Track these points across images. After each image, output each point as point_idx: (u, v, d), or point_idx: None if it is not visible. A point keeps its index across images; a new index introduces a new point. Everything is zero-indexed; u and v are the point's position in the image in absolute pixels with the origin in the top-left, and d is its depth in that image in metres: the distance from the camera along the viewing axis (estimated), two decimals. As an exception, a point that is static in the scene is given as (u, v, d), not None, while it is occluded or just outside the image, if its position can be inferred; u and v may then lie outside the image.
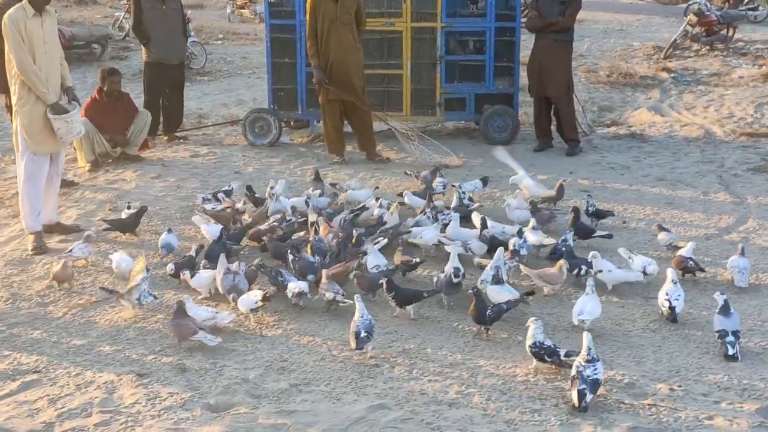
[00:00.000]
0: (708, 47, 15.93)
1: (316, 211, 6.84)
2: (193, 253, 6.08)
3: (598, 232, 6.59)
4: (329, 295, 5.40)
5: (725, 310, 4.88)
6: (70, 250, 6.23)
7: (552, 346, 4.63)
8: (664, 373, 4.62)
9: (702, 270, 5.93)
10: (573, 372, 4.33)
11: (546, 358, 4.61)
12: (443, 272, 5.62)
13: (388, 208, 6.87)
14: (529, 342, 4.67)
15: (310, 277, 5.70)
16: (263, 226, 6.66)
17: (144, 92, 10.35)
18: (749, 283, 5.82)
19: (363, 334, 4.79)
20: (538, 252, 6.39)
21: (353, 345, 4.79)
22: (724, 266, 5.99)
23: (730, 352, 4.76)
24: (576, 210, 6.70)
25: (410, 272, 6.02)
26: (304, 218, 6.92)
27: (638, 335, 5.13)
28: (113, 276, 6.05)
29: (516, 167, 7.87)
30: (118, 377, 4.65)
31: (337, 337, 5.11)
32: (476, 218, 6.65)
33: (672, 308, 5.21)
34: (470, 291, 5.23)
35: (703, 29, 16.11)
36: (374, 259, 5.85)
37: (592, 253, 5.76)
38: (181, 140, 10.38)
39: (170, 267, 5.93)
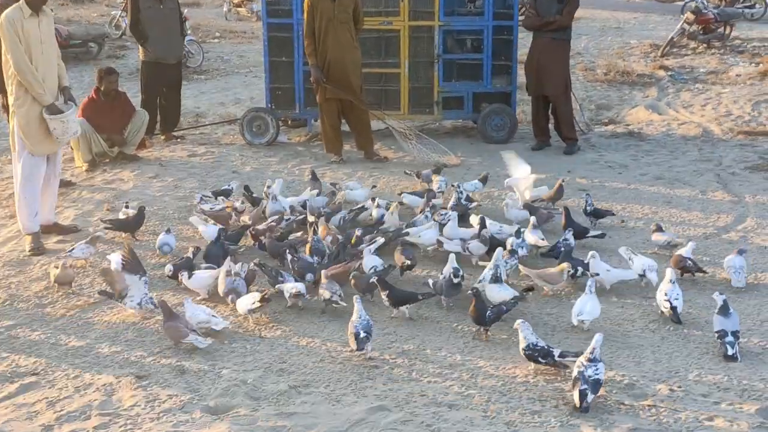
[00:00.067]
0: (705, 45, 15.92)
1: (314, 212, 6.83)
2: (190, 254, 6.07)
3: (592, 232, 6.59)
4: (326, 294, 5.39)
5: (724, 310, 4.88)
6: (71, 250, 6.22)
7: (546, 347, 4.63)
8: (663, 374, 4.62)
9: (702, 271, 5.92)
10: (575, 372, 4.33)
11: (540, 359, 4.60)
12: (442, 274, 5.61)
13: (387, 208, 6.86)
14: (522, 345, 4.66)
15: (309, 276, 5.69)
16: (261, 226, 6.65)
17: (141, 91, 10.32)
18: (748, 283, 5.82)
19: (362, 335, 4.78)
20: (536, 252, 6.38)
21: (353, 346, 4.78)
22: (722, 266, 5.98)
23: (730, 352, 4.76)
24: (566, 209, 6.71)
25: (408, 271, 6.01)
26: (303, 216, 6.91)
27: (637, 335, 5.13)
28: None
29: (520, 166, 7.67)
30: (117, 379, 4.64)
31: (337, 338, 5.10)
32: (475, 218, 6.65)
33: (674, 308, 5.21)
34: (470, 291, 5.23)
35: (700, 27, 16.10)
36: (371, 260, 5.85)
37: (591, 253, 5.75)
38: (179, 140, 10.37)
39: (168, 268, 5.92)
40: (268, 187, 7.29)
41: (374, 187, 7.89)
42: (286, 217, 6.80)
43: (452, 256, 5.66)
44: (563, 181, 7.56)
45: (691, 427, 4.11)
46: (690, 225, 7.16)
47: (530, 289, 5.58)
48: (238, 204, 7.19)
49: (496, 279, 5.50)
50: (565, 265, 5.64)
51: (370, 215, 7.01)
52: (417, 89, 9.96)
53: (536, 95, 9.72)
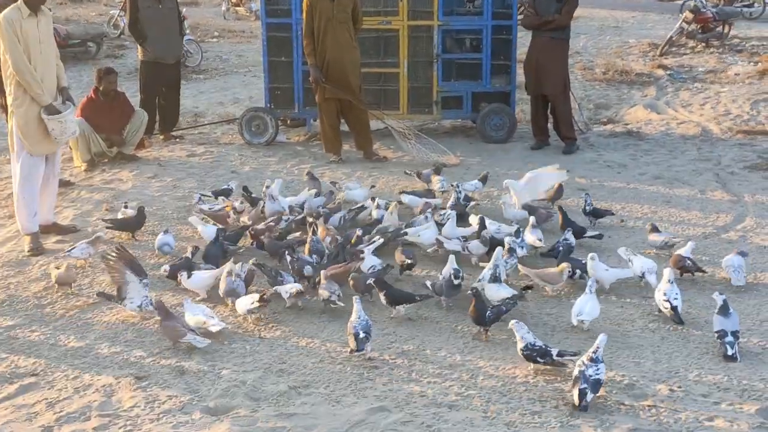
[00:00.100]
0: (704, 44, 15.93)
1: (313, 213, 6.83)
2: (189, 254, 6.06)
3: (589, 232, 6.58)
4: (325, 294, 5.40)
5: (724, 310, 4.88)
6: (71, 250, 6.22)
7: (544, 347, 4.63)
8: (663, 374, 4.62)
9: (701, 270, 5.92)
10: (575, 372, 4.33)
11: (539, 359, 4.61)
12: (441, 275, 5.60)
13: (386, 208, 6.86)
14: (520, 345, 4.65)
15: (307, 269, 5.70)
16: (260, 226, 6.65)
17: (140, 91, 10.31)
18: (748, 283, 5.82)
19: (361, 335, 4.78)
20: (536, 252, 6.38)
21: (353, 346, 4.78)
22: (721, 265, 5.98)
23: (730, 352, 4.76)
24: (561, 209, 6.72)
25: (408, 271, 6.01)
26: (302, 216, 6.91)
27: (637, 335, 5.13)
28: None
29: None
30: (117, 380, 4.64)
31: (336, 338, 5.09)
32: (474, 218, 6.65)
33: (674, 308, 5.20)
34: (469, 291, 5.23)
35: (698, 26, 16.11)
36: (369, 260, 5.85)
37: (590, 255, 5.74)
38: (178, 139, 10.36)
39: (165, 268, 5.91)
40: (267, 187, 7.29)
41: (373, 186, 7.88)
42: (285, 217, 6.80)
43: (452, 257, 5.65)
44: (562, 180, 7.55)
45: (692, 427, 4.11)
46: (689, 224, 7.16)
47: (529, 287, 5.57)
48: (237, 204, 7.19)
49: (495, 279, 5.49)
50: (564, 265, 5.64)
51: (370, 215, 7.01)
52: (416, 89, 9.95)
53: (535, 95, 9.71)
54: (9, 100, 6.70)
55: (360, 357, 4.80)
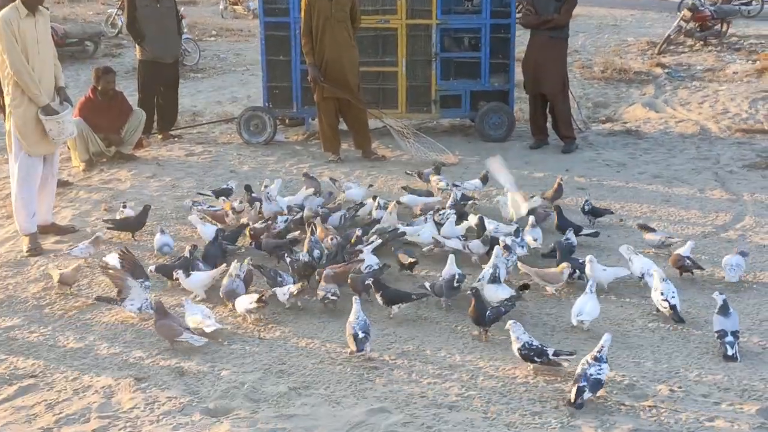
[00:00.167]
0: (702, 42, 15.95)
1: (311, 212, 6.83)
2: (186, 253, 6.05)
3: (585, 230, 6.58)
4: (320, 293, 5.41)
5: (724, 310, 4.87)
6: (72, 249, 6.21)
7: (540, 346, 4.62)
8: (663, 374, 4.62)
9: (700, 268, 5.92)
10: (578, 369, 4.33)
11: (536, 358, 4.60)
12: (441, 276, 5.59)
13: (386, 208, 6.85)
14: (518, 345, 4.64)
15: (317, 252, 5.82)
16: (258, 225, 6.65)
17: (138, 90, 10.30)
18: (748, 282, 5.82)
19: (360, 335, 4.78)
20: (535, 251, 6.38)
21: (353, 347, 4.77)
22: (721, 265, 5.97)
23: (730, 352, 4.75)
24: (558, 208, 6.71)
25: (409, 270, 6.00)
26: (300, 216, 6.90)
27: (637, 335, 5.12)
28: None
29: (506, 182, 7.38)
30: (116, 381, 4.62)
31: (336, 339, 5.08)
32: (473, 218, 6.63)
33: (673, 307, 5.20)
34: (468, 291, 5.22)
35: (697, 24, 16.14)
36: (368, 260, 5.84)
37: (588, 257, 5.72)
38: (176, 139, 10.35)
39: (151, 269, 5.90)
40: (266, 186, 7.27)
41: (371, 186, 7.86)
42: (283, 217, 6.78)
43: (452, 257, 5.65)
44: (561, 179, 7.55)
45: (692, 428, 4.10)
46: (688, 224, 7.16)
47: (525, 287, 5.55)
48: (236, 204, 7.17)
49: (494, 279, 5.49)
50: (564, 264, 5.63)
51: (369, 214, 7.00)
52: (414, 88, 9.94)
53: (534, 93, 9.71)
54: (7, 100, 6.68)
55: (360, 358, 4.79)
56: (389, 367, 4.74)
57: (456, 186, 7.49)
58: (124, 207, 7.09)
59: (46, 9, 6.83)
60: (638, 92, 12.63)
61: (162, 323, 4.98)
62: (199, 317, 5.09)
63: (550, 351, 4.59)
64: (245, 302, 5.30)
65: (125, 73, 14.46)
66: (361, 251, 5.95)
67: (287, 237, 6.50)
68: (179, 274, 5.72)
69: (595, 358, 4.31)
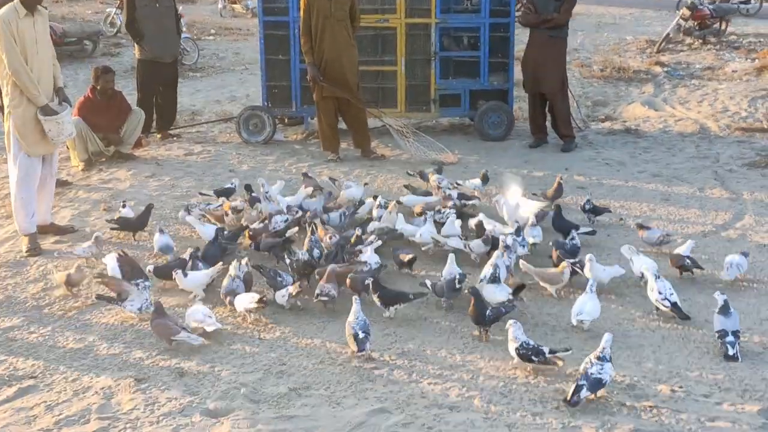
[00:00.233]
0: (701, 41, 15.94)
1: (310, 212, 6.82)
2: (187, 257, 6.03)
3: (582, 229, 6.57)
4: (316, 291, 5.41)
5: (725, 310, 4.87)
6: (75, 249, 6.20)
7: (536, 346, 4.62)
8: (664, 374, 4.61)
9: (700, 268, 5.91)
10: (581, 368, 4.33)
11: (533, 357, 4.60)
12: (442, 276, 5.58)
13: (386, 207, 6.84)
14: (515, 345, 4.64)
15: (316, 252, 5.79)
16: (256, 225, 6.64)
17: (137, 90, 10.28)
18: (748, 282, 5.81)
19: (360, 335, 4.77)
20: (535, 250, 6.37)
21: (354, 348, 4.76)
22: (721, 264, 5.96)
23: (730, 352, 4.75)
24: (557, 207, 6.72)
25: (408, 268, 6.00)
26: (299, 216, 6.89)
27: (637, 335, 5.11)
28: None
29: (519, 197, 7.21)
30: (116, 382, 4.61)
31: (336, 339, 5.07)
32: (473, 221, 6.63)
33: (674, 304, 5.19)
34: (467, 291, 5.21)
35: (695, 23, 16.14)
36: (368, 259, 5.82)
37: (588, 256, 5.71)
38: (175, 138, 10.33)
39: (149, 269, 5.88)
40: (262, 185, 7.25)
41: (366, 184, 7.81)
42: (283, 217, 6.77)
43: (452, 256, 5.64)
44: (561, 178, 7.54)
45: (693, 428, 4.10)
46: (688, 223, 7.15)
47: (522, 287, 5.53)
48: (237, 204, 7.16)
49: (494, 279, 5.47)
50: (564, 264, 5.63)
51: (368, 212, 6.99)
52: (414, 87, 9.93)
53: (533, 92, 9.70)
54: (6, 100, 6.66)
55: (360, 358, 4.78)
56: (390, 368, 4.73)
57: (458, 184, 7.47)
58: (123, 206, 7.08)
59: (45, 9, 6.82)
60: (637, 91, 12.62)
61: (158, 322, 4.98)
62: (200, 316, 5.08)
63: (546, 350, 4.59)
64: (245, 301, 5.29)
65: (124, 72, 14.43)
66: (361, 251, 5.95)
67: (285, 235, 6.49)
68: (177, 274, 5.71)
69: (598, 358, 4.31)
